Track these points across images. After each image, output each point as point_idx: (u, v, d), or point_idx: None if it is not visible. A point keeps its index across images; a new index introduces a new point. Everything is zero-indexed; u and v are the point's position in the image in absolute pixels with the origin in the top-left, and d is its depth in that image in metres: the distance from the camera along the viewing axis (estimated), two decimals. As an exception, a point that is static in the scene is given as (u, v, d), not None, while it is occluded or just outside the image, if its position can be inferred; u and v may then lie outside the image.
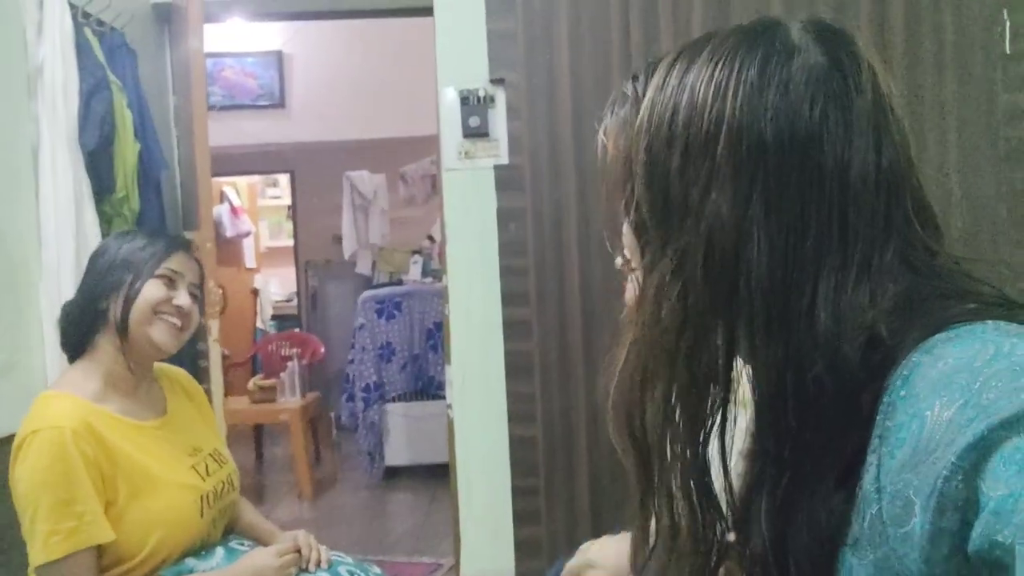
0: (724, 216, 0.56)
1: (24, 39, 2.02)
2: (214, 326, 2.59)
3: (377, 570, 1.57)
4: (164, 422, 1.46)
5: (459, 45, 2.38)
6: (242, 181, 6.51)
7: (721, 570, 0.62)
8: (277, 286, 6.93)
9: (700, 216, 0.57)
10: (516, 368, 2.34)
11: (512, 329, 2.34)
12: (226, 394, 3.19)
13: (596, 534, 1.26)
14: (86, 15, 2.24)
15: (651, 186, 0.60)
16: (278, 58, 5.33)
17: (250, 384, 4.31)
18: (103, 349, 1.40)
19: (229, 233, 5.98)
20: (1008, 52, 2.25)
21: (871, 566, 0.50)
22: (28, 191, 2.00)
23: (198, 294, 1.48)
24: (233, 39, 5.13)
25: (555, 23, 2.30)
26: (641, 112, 0.61)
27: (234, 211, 6.11)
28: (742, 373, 0.59)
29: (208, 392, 2.31)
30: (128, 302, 1.37)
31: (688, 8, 2.29)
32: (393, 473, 4.28)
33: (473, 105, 2.36)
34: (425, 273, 5.21)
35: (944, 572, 0.45)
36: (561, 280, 2.31)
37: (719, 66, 0.57)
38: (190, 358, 2.47)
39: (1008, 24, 2.24)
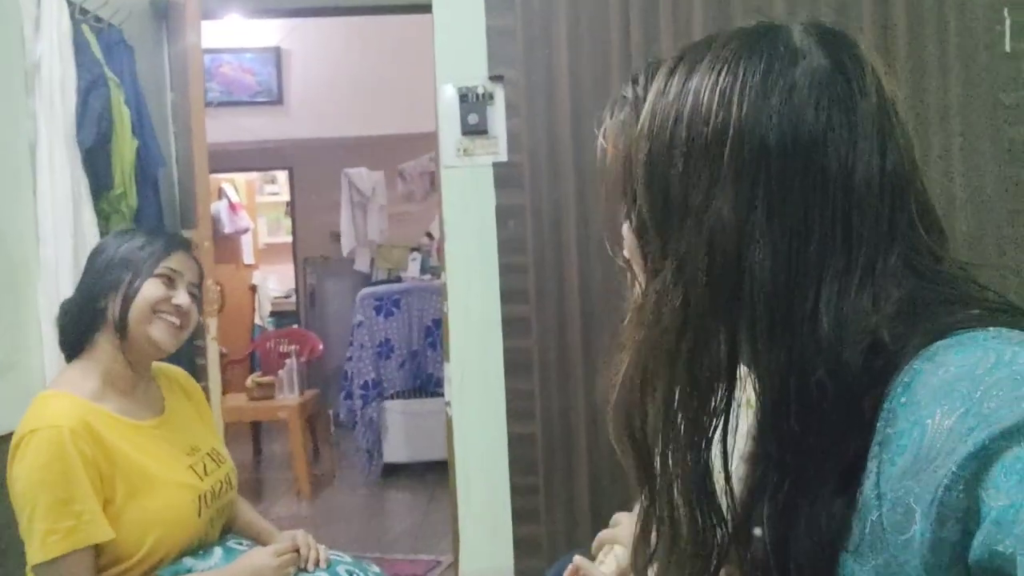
0: (726, 220, 0.55)
1: (22, 35, 2.01)
2: (212, 324, 2.58)
3: (376, 569, 1.57)
4: (162, 421, 1.46)
5: (458, 42, 2.37)
6: (240, 178, 6.51)
7: (722, 573, 0.62)
8: (275, 283, 6.92)
9: (702, 220, 0.56)
10: (515, 365, 2.34)
11: (511, 326, 2.34)
12: (224, 391, 3.19)
13: (596, 531, 1.26)
14: (84, 11, 2.23)
15: (653, 189, 0.60)
16: (276, 54, 5.33)
17: (248, 381, 4.30)
18: (101, 348, 1.39)
19: (227, 230, 5.98)
20: (1008, 51, 2.25)
21: (872, 572, 0.50)
22: (26, 189, 2.00)
23: (197, 293, 1.48)
24: (231, 35, 5.12)
25: (554, 20, 2.30)
26: (642, 116, 0.61)
27: (232, 208, 6.10)
28: (747, 374, 0.59)
29: (206, 390, 2.31)
30: (127, 301, 1.37)
31: (688, 7, 2.28)
32: (392, 470, 4.28)
33: (472, 102, 2.35)
34: (424, 270, 5.21)
35: None
36: (560, 277, 2.31)
37: (723, 72, 0.57)
38: (188, 356, 2.46)
39: (1009, 23, 2.23)
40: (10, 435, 1.30)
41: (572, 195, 2.30)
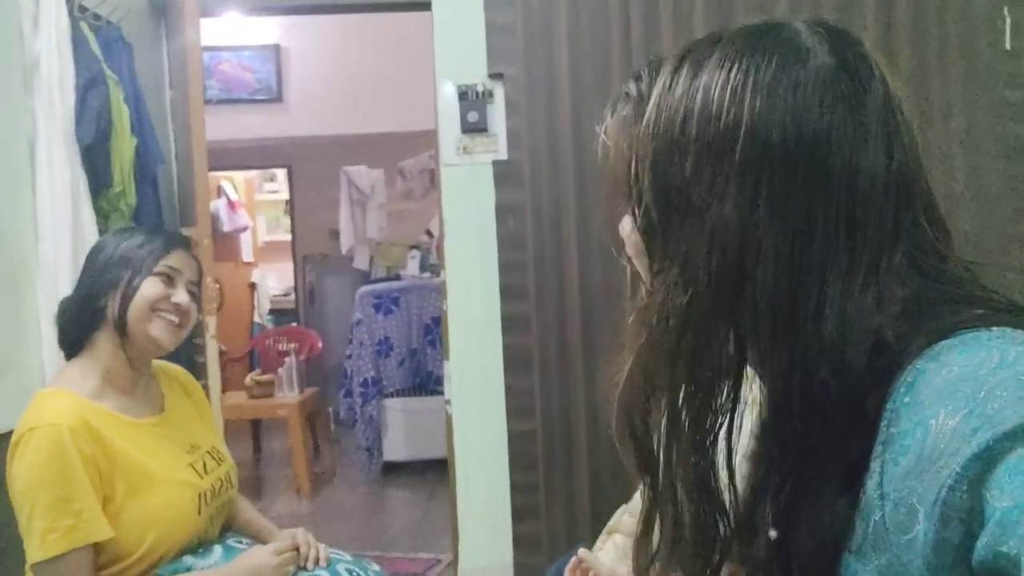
0: (729, 218, 0.55)
1: (20, 33, 2.01)
2: (211, 322, 2.58)
3: (376, 567, 1.57)
4: (162, 419, 1.46)
5: (457, 39, 2.37)
6: (239, 175, 6.50)
7: (724, 572, 0.61)
8: (275, 280, 6.92)
9: (705, 218, 0.56)
10: (515, 363, 2.34)
11: (511, 324, 2.34)
12: (224, 389, 3.19)
13: (595, 528, 1.26)
14: (82, 9, 2.22)
15: (657, 188, 0.59)
16: (275, 52, 5.31)
17: (248, 379, 4.30)
18: (101, 346, 1.39)
19: (226, 227, 5.98)
20: (1008, 48, 2.24)
21: (875, 572, 0.50)
22: (25, 187, 1.99)
23: (196, 291, 1.48)
24: (230, 33, 5.11)
25: (554, 17, 2.29)
26: (647, 114, 0.61)
27: (231, 205, 6.10)
28: (754, 374, 0.59)
29: (206, 388, 2.31)
30: (126, 299, 1.37)
31: (689, 5, 2.28)
32: (391, 468, 4.28)
33: (472, 100, 2.35)
34: (423, 268, 5.21)
35: None
36: (560, 275, 2.31)
37: (733, 69, 0.57)
38: (187, 354, 2.46)
39: (1009, 20, 2.23)
40: (9, 433, 1.30)
41: (572, 193, 2.30)
